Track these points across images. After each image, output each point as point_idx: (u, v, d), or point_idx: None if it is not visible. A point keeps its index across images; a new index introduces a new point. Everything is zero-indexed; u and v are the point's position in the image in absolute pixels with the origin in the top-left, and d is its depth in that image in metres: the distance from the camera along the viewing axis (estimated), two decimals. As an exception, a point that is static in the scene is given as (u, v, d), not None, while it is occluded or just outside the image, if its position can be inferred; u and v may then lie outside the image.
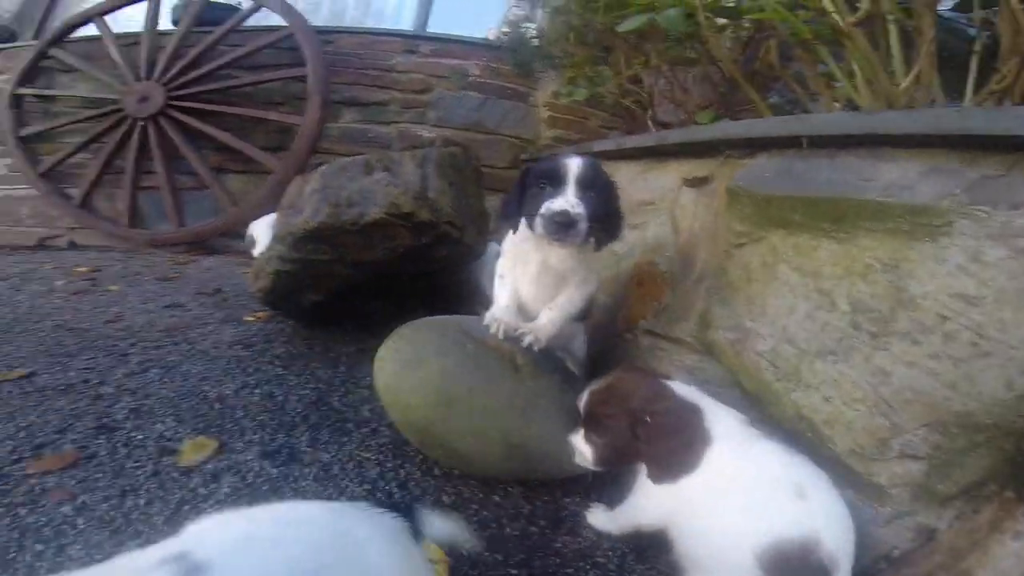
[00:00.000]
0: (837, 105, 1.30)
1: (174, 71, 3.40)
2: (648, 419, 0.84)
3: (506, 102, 3.50)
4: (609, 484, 1.11)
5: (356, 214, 1.39)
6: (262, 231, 3.05)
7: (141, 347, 1.70)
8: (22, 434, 1.16)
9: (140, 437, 1.19)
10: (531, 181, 1.08)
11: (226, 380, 1.50)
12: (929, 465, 0.76)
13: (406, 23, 3.91)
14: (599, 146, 2.20)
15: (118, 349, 1.67)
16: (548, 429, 1.07)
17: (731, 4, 1.63)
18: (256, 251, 3.02)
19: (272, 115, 3.38)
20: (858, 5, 1.13)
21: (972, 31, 1.27)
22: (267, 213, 3.03)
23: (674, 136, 1.50)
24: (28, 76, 3.70)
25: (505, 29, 3.42)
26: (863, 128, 0.96)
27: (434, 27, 3.86)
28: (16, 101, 3.67)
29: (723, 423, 0.87)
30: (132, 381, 1.46)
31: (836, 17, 1.13)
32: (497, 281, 1.27)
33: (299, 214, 1.43)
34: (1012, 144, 0.74)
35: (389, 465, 1.16)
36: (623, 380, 0.91)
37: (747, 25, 1.71)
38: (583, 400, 0.94)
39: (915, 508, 0.78)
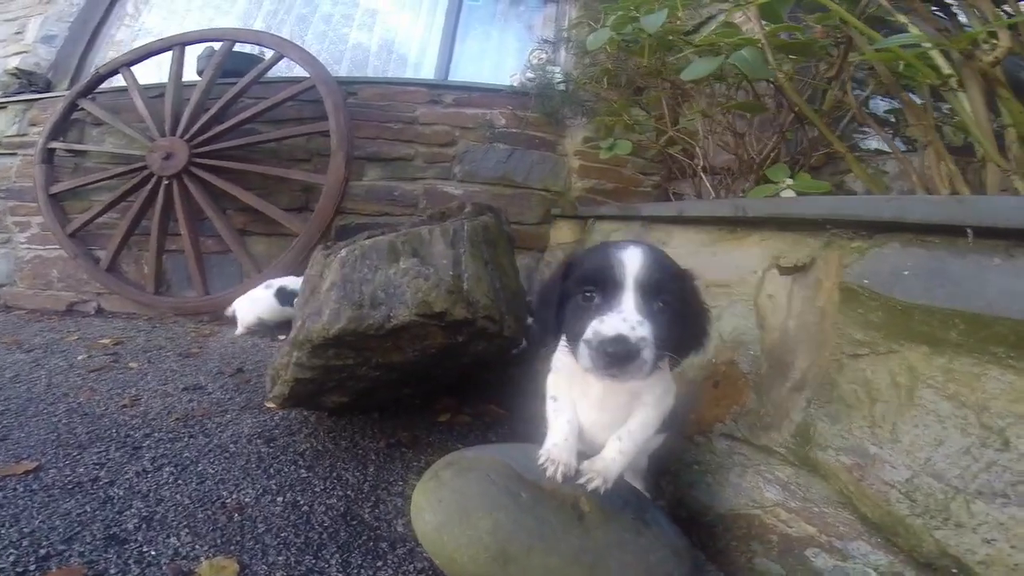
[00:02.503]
0: (946, 169, 1.10)
1: (197, 126, 3.21)
2: None
3: (534, 152, 3.29)
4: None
5: (382, 317, 1.21)
6: (244, 308, 2.86)
7: (155, 439, 1.58)
8: (26, 542, 1.05)
9: (152, 553, 1.06)
10: (573, 287, 0.79)
11: (245, 484, 1.36)
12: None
13: (428, 69, 3.77)
14: (650, 211, 1.83)
15: (131, 440, 1.55)
16: (624, 578, 0.88)
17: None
18: (237, 331, 2.87)
19: (296, 174, 3.19)
20: (995, 42, 0.93)
21: None
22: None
23: (756, 208, 1.25)
24: (59, 129, 3.46)
25: (529, 74, 3.29)
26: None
27: (456, 74, 3.71)
28: (47, 156, 3.42)
29: None
30: (144, 482, 1.34)
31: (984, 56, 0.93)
32: (549, 405, 1.01)
33: (318, 317, 1.26)
34: None
35: (430, 599, 0.99)
36: None
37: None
38: None
39: None
